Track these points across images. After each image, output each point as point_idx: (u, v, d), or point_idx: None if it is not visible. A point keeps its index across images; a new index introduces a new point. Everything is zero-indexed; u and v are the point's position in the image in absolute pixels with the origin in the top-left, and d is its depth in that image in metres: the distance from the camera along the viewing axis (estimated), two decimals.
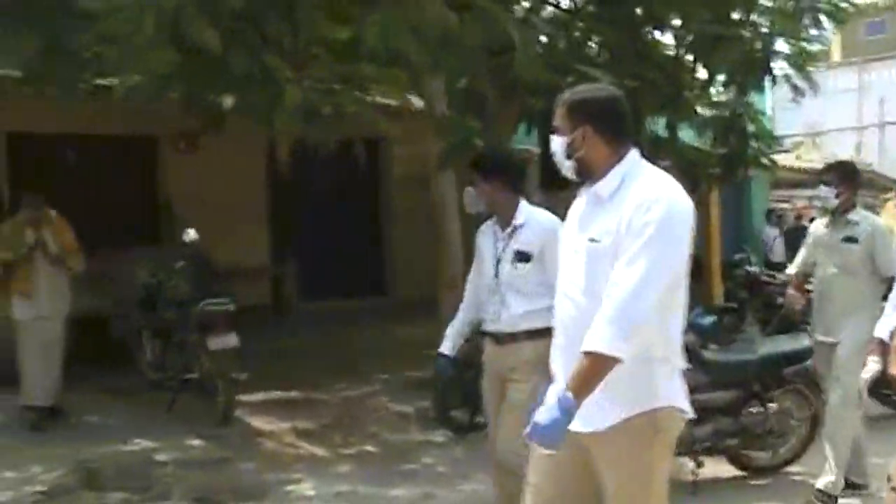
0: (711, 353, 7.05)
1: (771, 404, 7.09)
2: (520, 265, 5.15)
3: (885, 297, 6.23)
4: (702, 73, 10.26)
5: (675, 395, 3.47)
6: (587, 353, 3.21)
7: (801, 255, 7.10)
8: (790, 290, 7.20)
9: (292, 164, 12.77)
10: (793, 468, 7.25)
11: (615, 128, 3.49)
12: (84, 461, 7.47)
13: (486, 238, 5.43)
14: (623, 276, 3.24)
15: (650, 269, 3.23)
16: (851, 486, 6.58)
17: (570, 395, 3.18)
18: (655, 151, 11.05)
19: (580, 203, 3.61)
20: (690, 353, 6.84)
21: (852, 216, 6.57)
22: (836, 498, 6.39)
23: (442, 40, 7.37)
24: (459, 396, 8.08)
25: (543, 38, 8.98)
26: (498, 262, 5.25)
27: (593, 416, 3.34)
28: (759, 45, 9.26)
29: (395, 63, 7.51)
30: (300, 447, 8.21)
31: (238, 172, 12.72)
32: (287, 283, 12.28)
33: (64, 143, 11.67)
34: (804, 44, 9.42)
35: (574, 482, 3.57)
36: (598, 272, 3.36)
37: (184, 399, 8.94)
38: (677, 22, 9.68)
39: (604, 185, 3.45)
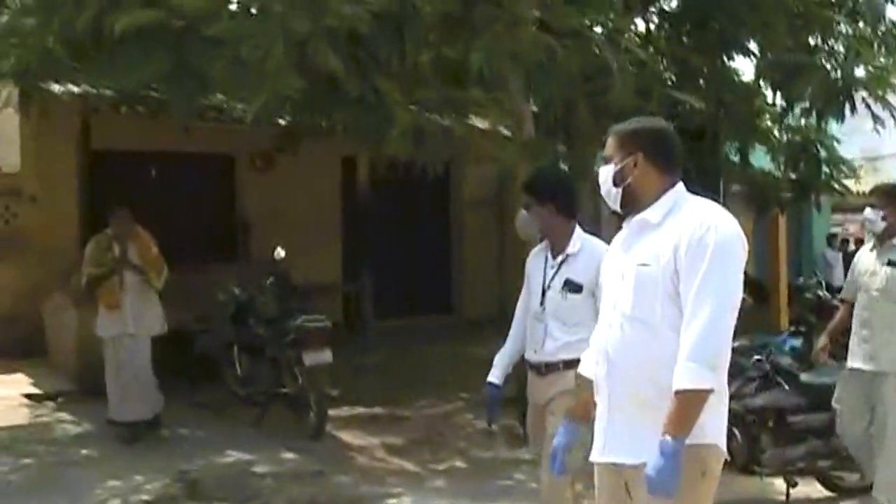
0: (808, 376, 7.13)
1: None
2: (570, 295, 4.94)
3: None
4: (779, 100, 10.36)
5: (720, 435, 3.37)
6: (677, 393, 3.15)
7: (848, 279, 6.92)
8: (820, 346, 7.09)
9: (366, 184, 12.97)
10: None
11: (667, 157, 3.50)
12: (184, 472, 7.68)
13: (536, 264, 5.21)
14: (697, 308, 3.19)
15: (719, 295, 3.20)
16: None
17: (668, 438, 3.13)
18: (728, 176, 11.21)
19: (623, 233, 3.56)
20: (788, 375, 7.03)
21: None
22: None
23: (540, 65, 7.57)
24: None
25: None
26: (545, 290, 5.04)
27: (632, 446, 3.32)
28: (838, 73, 9.32)
29: (492, 87, 7.71)
30: (391, 462, 8.37)
31: (312, 191, 13.00)
32: (361, 301, 12.43)
33: (146, 161, 11.93)
34: (882, 71, 9.49)
35: None
36: (645, 296, 3.32)
37: (272, 414, 9.15)
38: (755, 48, 9.82)
39: (654, 211, 3.42)
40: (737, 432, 7.09)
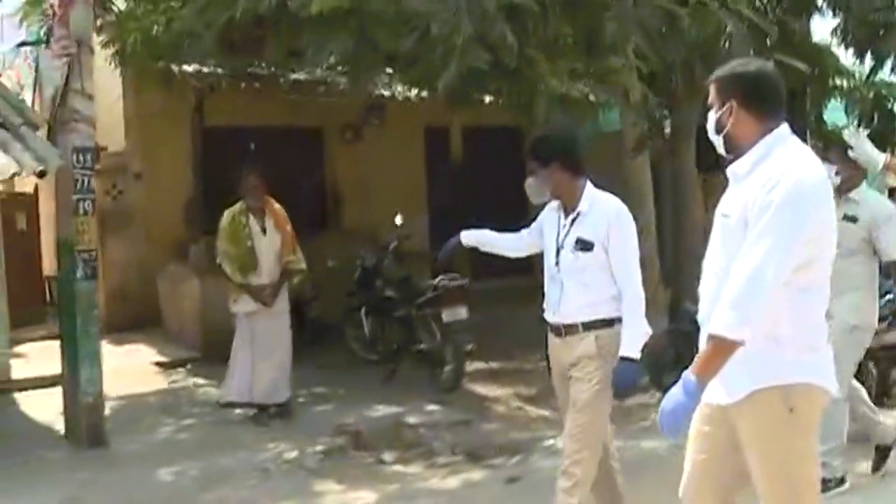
0: None
1: None
2: (581, 254, 4.80)
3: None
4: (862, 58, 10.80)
5: (813, 372, 3.43)
6: (710, 337, 3.28)
7: None
8: None
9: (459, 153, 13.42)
10: None
11: (762, 102, 3.50)
12: (342, 426, 8.16)
13: (550, 222, 5.05)
14: (745, 258, 3.28)
15: (770, 249, 3.25)
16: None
17: (692, 377, 3.26)
18: (802, 134, 11.69)
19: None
20: None
21: (854, 195, 6.32)
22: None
23: (662, 32, 8.03)
24: (672, 361, 8.62)
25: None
26: (559, 250, 4.90)
27: (731, 387, 3.42)
28: None
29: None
30: (528, 411, 8.85)
31: (398, 161, 13.41)
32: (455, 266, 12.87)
33: (245, 136, 12.36)
34: None
35: (730, 459, 3.54)
36: (730, 248, 3.38)
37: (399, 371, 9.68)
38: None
39: (741, 163, 3.49)
40: (871, 367, 7.66)
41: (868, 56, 10.59)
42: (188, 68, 10.55)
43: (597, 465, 4.88)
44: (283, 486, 6.94)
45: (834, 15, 10.25)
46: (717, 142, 3.61)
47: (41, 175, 7.16)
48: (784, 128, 3.51)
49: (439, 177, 13.68)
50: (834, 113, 12.22)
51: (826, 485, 5.85)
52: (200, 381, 9.91)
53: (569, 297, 4.84)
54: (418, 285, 9.43)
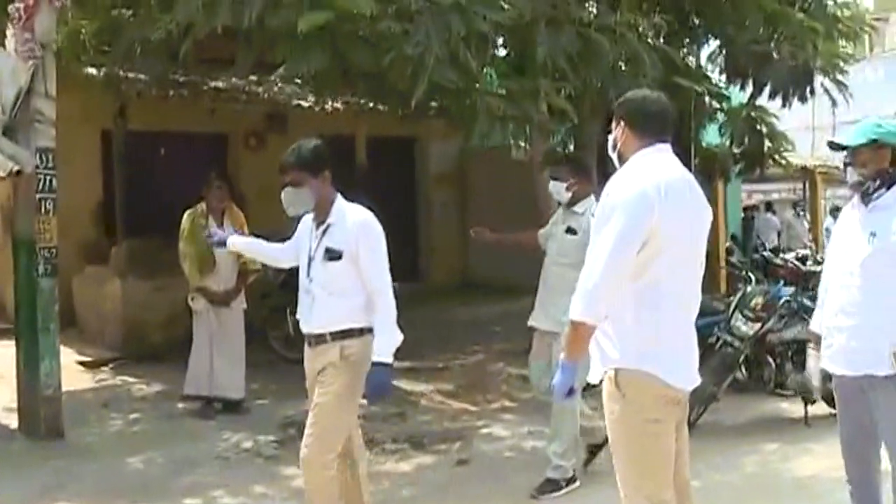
0: None
1: None
2: (330, 264, 4.94)
3: None
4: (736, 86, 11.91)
5: (648, 362, 3.88)
6: (570, 322, 3.92)
7: None
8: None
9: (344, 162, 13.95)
10: None
11: (642, 124, 4.04)
12: (288, 417, 8.62)
13: (305, 235, 5.21)
14: (588, 256, 3.91)
15: (603, 248, 3.82)
16: None
17: (563, 358, 3.97)
18: (687, 152, 12.77)
19: None
20: (809, 311, 8.48)
21: (578, 208, 6.79)
22: None
23: (583, 56, 8.84)
24: None
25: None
26: (310, 261, 5.05)
27: (595, 369, 4.04)
28: (801, 60, 10.88)
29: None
30: (451, 405, 9.51)
31: None
32: None
33: (156, 141, 12.62)
34: (836, 58, 11.15)
35: None
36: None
37: None
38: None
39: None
40: (770, 360, 8.63)
41: (746, 83, 11.68)
42: (122, 74, 10.74)
43: (329, 470, 5.02)
44: (249, 472, 7.40)
45: (720, 46, 11.26)
46: (614, 157, 4.18)
47: (17, 174, 7.43)
48: (658, 146, 4.03)
49: (345, 182, 14.15)
50: (709, 134, 13.35)
51: (557, 485, 6.64)
52: (129, 378, 10.15)
53: (319, 307, 4.99)
54: None
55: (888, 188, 4.67)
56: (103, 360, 10.74)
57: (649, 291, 3.88)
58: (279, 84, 12.27)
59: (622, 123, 4.09)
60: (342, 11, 6.82)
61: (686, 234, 3.96)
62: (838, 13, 11.57)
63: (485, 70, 7.61)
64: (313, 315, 5.03)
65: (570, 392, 4.05)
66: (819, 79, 11.21)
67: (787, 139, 13.20)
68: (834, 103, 11.17)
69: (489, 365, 10.79)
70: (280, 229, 10.56)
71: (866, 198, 4.71)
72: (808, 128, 18.78)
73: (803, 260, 12.84)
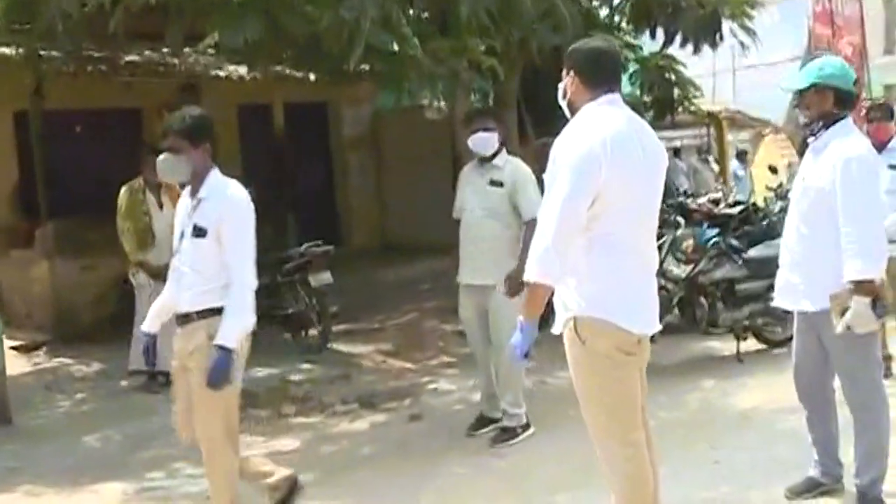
0: (752, 252, 8.96)
1: None
2: (196, 241, 4.77)
3: None
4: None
5: (603, 309, 3.99)
6: (525, 283, 4.03)
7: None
8: None
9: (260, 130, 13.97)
10: None
11: (591, 74, 4.07)
12: None
13: (181, 208, 5.01)
14: (541, 212, 4.06)
15: (553, 204, 3.91)
16: None
17: (521, 318, 4.05)
18: None
19: None
20: (737, 251, 8.83)
21: (498, 161, 6.87)
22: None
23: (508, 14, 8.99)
24: None
25: None
26: (182, 236, 4.88)
27: (558, 320, 4.14)
28: (709, 9, 11.17)
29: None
30: (393, 363, 9.67)
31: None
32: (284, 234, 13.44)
33: (71, 118, 12.41)
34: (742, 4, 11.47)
35: None
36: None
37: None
38: None
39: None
40: (702, 301, 8.94)
41: (656, 32, 11.93)
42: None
43: (230, 453, 4.99)
44: None
45: None
46: (563, 105, 4.18)
47: None
48: (608, 96, 4.05)
49: (264, 151, 14.17)
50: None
51: (514, 432, 6.88)
52: (66, 360, 10.06)
53: (186, 285, 4.83)
54: (284, 253, 10.01)
55: (827, 129, 4.92)
56: (36, 343, 10.61)
57: (601, 242, 3.97)
58: (193, 55, 12.16)
59: (572, 73, 4.11)
60: None
61: (637, 184, 4.02)
62: None
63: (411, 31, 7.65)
64: (182, 293, 4.85)
65: (527, 354, 4.11)
66: (727, 24, 11.48)
67: (696, 86, 13.54)
68: (743, 47, 11.48)
69: (423, 323, 10.98)
70: None
71: (811, 139, 4.97)
72: (709, 73, 19.21)
73: (716, 202, 13.23)
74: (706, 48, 11.60)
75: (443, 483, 6.20)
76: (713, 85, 20.22)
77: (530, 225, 6.37)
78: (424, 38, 8.14)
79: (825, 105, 4.93)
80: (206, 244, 4.74)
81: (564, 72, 4.17)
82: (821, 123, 4.93)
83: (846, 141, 4.87)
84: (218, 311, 4.73)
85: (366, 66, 8.36)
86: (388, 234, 16.38)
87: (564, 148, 3.98)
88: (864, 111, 8.09)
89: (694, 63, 13.16)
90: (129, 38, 10.51)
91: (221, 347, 4.65)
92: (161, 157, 4.86)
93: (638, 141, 4.07)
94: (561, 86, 4.19)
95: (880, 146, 7.00)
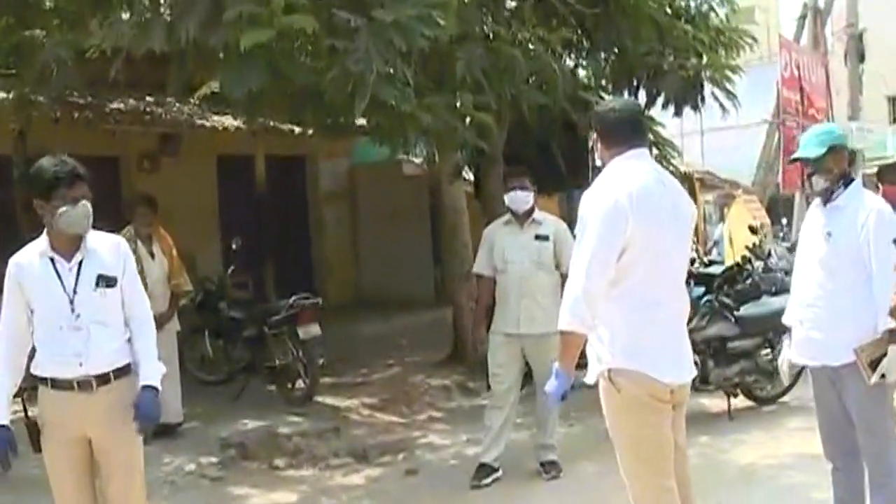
0: (743, 310, 9.02)
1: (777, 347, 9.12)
2: (108, 292, 4.52)
3: None
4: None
5: (635, 360, 4.12)
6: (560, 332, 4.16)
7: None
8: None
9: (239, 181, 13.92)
10: (787, 397, 9.25)
11: (607, 134, 4.31)
12: (224, 439, 8.50)
13: (34, 274, 4.50)
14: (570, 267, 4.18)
15: (581, 259, 4.06)
16: None
17: (557, 366, 4.20)
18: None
19: None
20: (729, 309, 8.87)
21: (538, 216, 7.32)
22: None
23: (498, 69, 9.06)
24: None
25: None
26: (73, 294, 4.46)
27: (591, 372, 4.28)
28: (692, 72, 11.32)
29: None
30: (379, 418, 9.56)
31: (193, 188, 13.67)
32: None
33: None
34: (723, 69, 11.63)
35: None
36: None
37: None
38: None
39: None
40: (695, 358, 8.95)
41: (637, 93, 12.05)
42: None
43: None
44: (199, 495, 7.36)
45: (615, 58, 11.59)
46: (599, 164, 4.41)
47: None
48: (634, 150, 4.24)
49: (242, 201, 14.09)
50: None
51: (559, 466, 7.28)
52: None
53: (98, 343, 4.47)
54: (271, 305, 9.93)
55: (846, 187, 5.00)
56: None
57: (632, 294, 4.10)
58: (177, 105, 12.15)
59: (595, 134, 4.35)
60: (283, 29, 6.81)
61: (664, 235, 4.15)
62: (720, 25, 12.04)
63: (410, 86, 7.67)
64: (91, 353, 4.45)
65: (563, 396, 4.26)
66: (708, 88, 11.64)
67: (674, 146, 13.67)
68: (724, 110, 11.62)
69: (407, 377, 10.88)
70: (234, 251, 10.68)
71: (827, 199, 5.03)
72: (678, 134, 19.46)
73: (691, 262, 13.38)
74: (693, 109, 11.73)
75: None
76: (682, 146, 20.46)
77: None
78: (420, 93, 8.15)
79: (843, 165, 5.04)
80: (115, 294, 4.55)
81: (592, 132, 4.37)
82: (840, 183, 5.01)
83: (867, 195, 5.02)
84: (128, 369, 4.57)
85: (360, 121, 8.40)
86: (362, 288, 16.35)
87: (591, 201, 4.11)
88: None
89: (664, 124, 13.28)
90: (116, 86, 10.49)
91: (151, 387, 4.53)
92: (81, 205, 4.44)
93: (665, 194, 4.22)
94: (590, 145, 4.46)
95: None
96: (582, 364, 4.30)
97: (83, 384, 4.46)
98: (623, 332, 4.12)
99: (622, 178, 4.12)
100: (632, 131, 4.31)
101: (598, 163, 4.44)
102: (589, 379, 4.32)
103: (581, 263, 4.05)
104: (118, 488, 4.62)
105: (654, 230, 4.08)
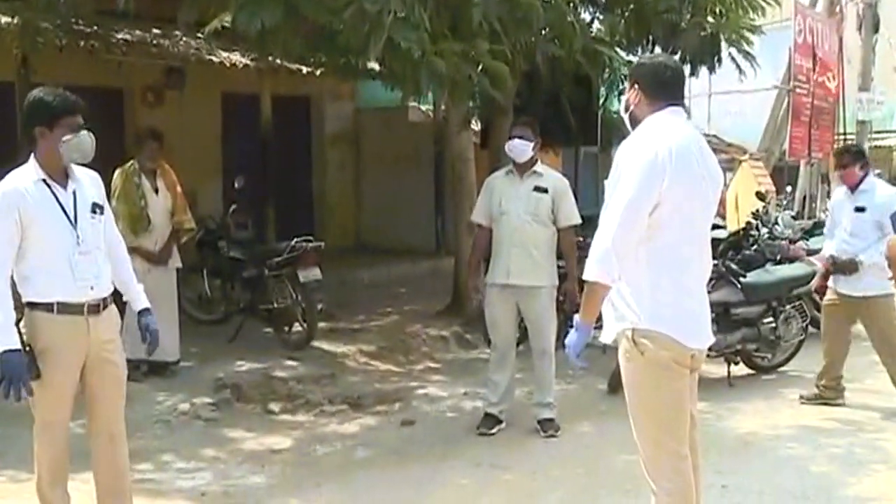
0: (748, 277, 8.94)
1: (780, 316, 9.09)
2: (100, 218, 4.65)
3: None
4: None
5: (661, 322, 4.04)
6: (585, 282, 4.08)
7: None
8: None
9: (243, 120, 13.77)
10: (787, 367, 9.26)
11: (653, 88, 4.17)
12: (219, 380, 8.42)
13: (33, 200, 4.48)
14: (603, 218, 4.03)
15: (616, 210, 3.96)
16: None
17: (577, 318, 4.13)
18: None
19: None
20: (734, 275, 8.77)
21: (539, 168, 7.26)
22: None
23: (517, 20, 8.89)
24: None
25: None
26: (75, 219, 4.52)
27: (607, 330, 4.23)
28: (711, 31, 11.14)
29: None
30: (376, 365, 9.51)
31: (197, 124, 13.50)
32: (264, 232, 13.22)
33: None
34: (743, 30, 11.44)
35: None
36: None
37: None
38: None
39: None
40: None
41: (653, 51, 11.86)
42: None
43: None
44: (193, 435, 7.30)
45: (622, 12, 11.37)
46: (626, 118, 4.32)
47: None
48: (672, 107, 4.15)
49: (246, 140, 13.93)
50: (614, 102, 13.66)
51: (556, 423, 7.26)
52: None
53: (102, 268, 4.65)
54: (272, 246, 9.81)
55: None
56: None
57: (662, 255, 4.04)
58: (184, 39, 11.94)
59: (636, 87, 4.21)
60: None
61: (695, 196, 4.09)
62: None
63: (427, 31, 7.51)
64: (101, 277, 4.62)
65: (579, 354, 4.19)
66: (725, 49, 11.46)
67: (685, 107, 13.52)
68: (741, 72, 11.46)
69: (406, 326, 10.78)
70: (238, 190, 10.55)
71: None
72: (687, 96, 19.30)
73: None
74: (709, 70, 11.58)
75: (447, 495, 6.07)
76: (689, 107, 20.32)
77: (567, 231, 7.19)
78: (434, 39, 7.99)
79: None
80: (104, 221, 4.71)
81: (628, 85, 4.29)
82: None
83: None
84: (114, 294, 4.76)
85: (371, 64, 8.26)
86: (362, 233, 16.24)
87: (629, 153, 4.04)
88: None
89: None
90: (125, 17, 10.30)
91: (150, 310, 4.96)
92: (85, 135, 4.59)
93: (699, 155, 4.14)
94: (623, 98, 4.34)
95: (852, 188, 7.85)
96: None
97: (92, 307, 4.59)
98: (650, 293, 4.05)
99: (663, 132, 4.05)
100: (678, 89, 4.28)
101: (625, 116, 4.33)
102: (605, 338, 4.27)
103: (615, 214, 3.97)
104: (110, 402, 4.87)
105: (687, 189, 4.03)
